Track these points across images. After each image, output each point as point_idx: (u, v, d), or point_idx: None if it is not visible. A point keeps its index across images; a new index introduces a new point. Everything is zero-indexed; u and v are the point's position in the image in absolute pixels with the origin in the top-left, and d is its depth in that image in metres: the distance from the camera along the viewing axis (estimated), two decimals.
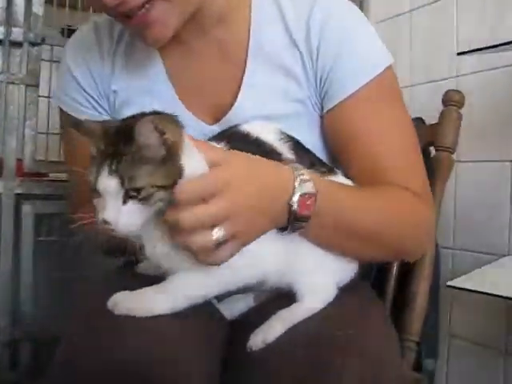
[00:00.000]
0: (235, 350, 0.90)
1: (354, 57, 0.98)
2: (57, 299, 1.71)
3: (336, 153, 1.03)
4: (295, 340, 0.84)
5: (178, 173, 0.75)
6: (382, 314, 0.99)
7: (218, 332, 0.94)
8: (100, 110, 1.11)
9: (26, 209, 1.70)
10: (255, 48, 1.02)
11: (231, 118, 1.02)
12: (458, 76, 1.70)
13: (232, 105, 1.02)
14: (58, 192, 1.70)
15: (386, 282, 1.27)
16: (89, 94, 1.10)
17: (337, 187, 0.90)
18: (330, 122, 1.02)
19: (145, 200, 0.74)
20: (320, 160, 1.00)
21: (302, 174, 0.83)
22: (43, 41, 1.68)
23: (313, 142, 1.01)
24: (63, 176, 1.71)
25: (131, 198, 0.73)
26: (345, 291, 0.95)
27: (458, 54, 1.56)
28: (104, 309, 0.82)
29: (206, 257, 0.77)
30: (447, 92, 1.32)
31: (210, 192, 0.75)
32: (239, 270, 0.84)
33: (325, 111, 1.02)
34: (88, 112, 1.10)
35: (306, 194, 0.82)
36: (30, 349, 1.69)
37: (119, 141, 0.74)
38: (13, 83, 1.65)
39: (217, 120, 1.04)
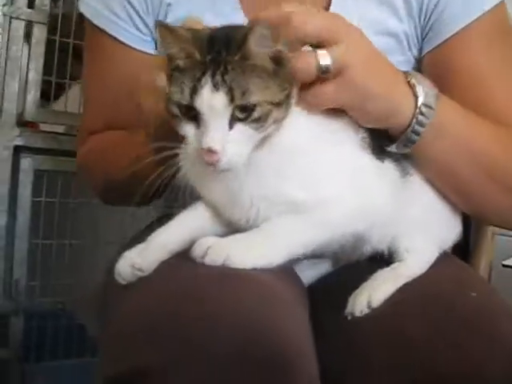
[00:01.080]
0: (325, 319, 0.75)
1: None
2: (56, 269, 1.52)
3: None
4: (416, 300, 0.69)
5: (290, 86, 0.64)
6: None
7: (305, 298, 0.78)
8: (143, 28, 0.93)
9: (25, 163, 1.50)
10: None
11: None
12: None
13: None
14: (62, 147, 1.52)
15: None
16: (133, 7, 0.92)
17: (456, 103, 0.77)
18: (432, 62, 0.89)
19: (258, 122, 0.61)
20: None
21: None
22: None
23: None
24: (70, 129, 1.52)
25: (239, 120, 0.61)
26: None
27: None
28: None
29: (306, 79, 0.65)
30: None
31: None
32: (348, 213, 0.70)
33: (426, 50, 0.90)
34: (126, 30, 0.93)
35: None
36: (24, 324, 1.51)
37: (220, 49, 0.61)
38: (18, 18, 1.44)
39: None
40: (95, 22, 0.94)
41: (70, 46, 1.53)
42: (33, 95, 1.49)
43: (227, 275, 0.61)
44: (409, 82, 0.71)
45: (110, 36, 0.92)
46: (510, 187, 0.79)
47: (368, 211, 0.71)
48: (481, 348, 0.62)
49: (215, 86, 0.59)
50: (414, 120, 0.70)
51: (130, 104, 0.76)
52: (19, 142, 1.49)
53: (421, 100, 0.70)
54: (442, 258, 0.80)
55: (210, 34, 0.63)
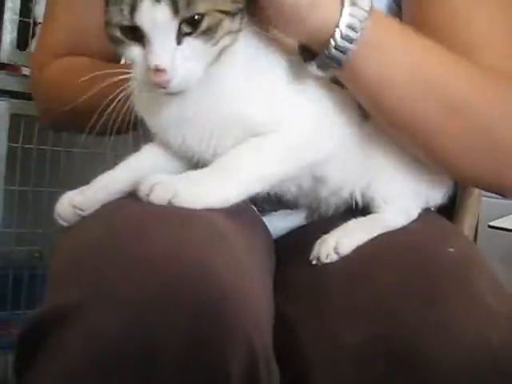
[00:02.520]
0: (286, 271, 0.71)
1: None
2: (32, 217, 1.48)
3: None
4: (389, 250, 0.65)
5: None
6: None
7: (268, 249, 0.74)
8: None
9: (1, 107, 1.44)
10: None
11: None
12: None
13: None
14: None
15: None
16: None
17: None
18: None
19: (208, 33, 0.56)
20: None
21: None
22: None
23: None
24: None
25: (187, 34, 0.56)
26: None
27: None
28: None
29: None
30: None
31: None
32: (305, 136, 0.65)
33: None
34: None
35: None
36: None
37: None
38: None
39: None
40: None
41: None
42: (9, 37, 1.43)
43: (171, 213, 0.56)
44: None
45: None
46: (452, 108, 0.66)
47: (324, 136, 0.66)
48: (456, 306, 0.57)
49: None
50: (338, 32, 0.60)
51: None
52: None
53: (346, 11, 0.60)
54: (425, 214, 0.76)
55: None
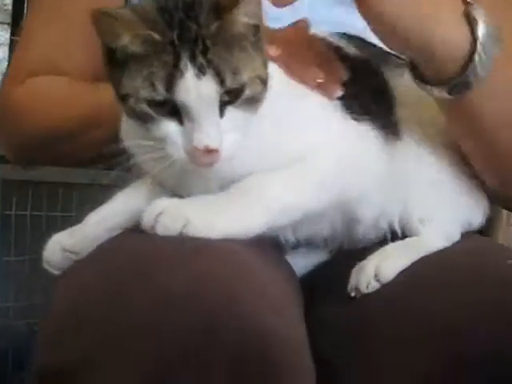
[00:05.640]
0: (316, 312, 0.62)
1: None
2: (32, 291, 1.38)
3: None
4: (435, 271, 0.57)
5: (266, 62, 0.53)
6: None
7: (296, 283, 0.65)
8: None
9: None
10: None
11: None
12: None
13: None
14: None
15: None
16: None
17: None
18: None
19: (251, 102, 0.51)
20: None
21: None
22: None
23: None
24: None
25: (227, 103, 0.50)
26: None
27: None
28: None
29: None
30: None
31: None
32: (340, 173, 0.59)
33: None
34: None
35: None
36: None
37: (182, 20, 0.49)
38: None
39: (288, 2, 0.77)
40: None
41: None
42: None
43: (183, 244, 0.48)
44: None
45: None
46: None
47: (357, 168, 0.60)
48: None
49: (200, 70, 0.48)
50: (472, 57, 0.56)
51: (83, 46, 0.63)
52: None
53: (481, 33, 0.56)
54: (468, 235, 0.68)
55: (158, 3, 0.51)
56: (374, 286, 0.57)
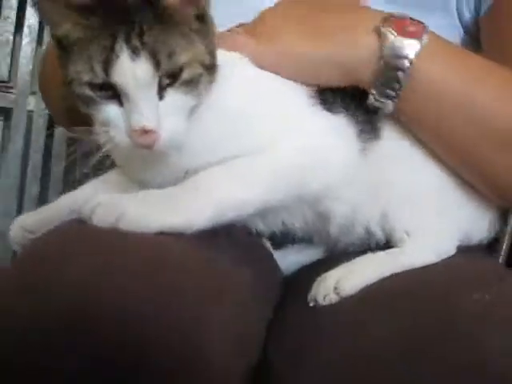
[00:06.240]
0: (284, 313, 0.62)
1: None
2: None
3: None
4: (395, 298, 0.54)
5: (214, 52, 0.55)
6: None
7: (271, 287, 0.65)
8: None
9: None
10: None
11: None
12: None
13: None
14: None
15: None
16: None
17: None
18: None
19: (189, 85, 0.52)
20: None
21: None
22: None
23: None
24: None
25: (167, 86, 0.52)
26: (464, 252, 0.65)
27: None
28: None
29: None
30: None
31: None
32: (290, 171, 0.59)
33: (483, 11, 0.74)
34: None
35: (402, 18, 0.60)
36: None
37: (124, 6, 0.51)
38: None
39: None
40: None
41: None
42: None
43: (102, 237, 0.48)
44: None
45: None
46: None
47: (320, 161, 0.59)
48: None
49: (134, 52, 0.49)
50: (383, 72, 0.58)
51: None
52: None
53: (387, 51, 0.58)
54: (467, 251, 0.64)
55: None
56: (333, 298, 0.56)
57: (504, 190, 0.65)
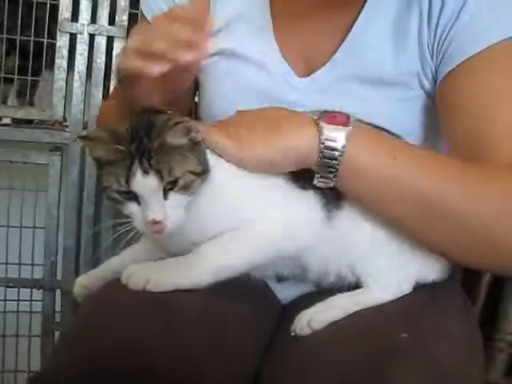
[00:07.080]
0: (278, 337, 0.82)
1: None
2: None
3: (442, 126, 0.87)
4: (347, 333, 0.73)
5: (205, 161, 0.74)
6: (466, 319, 0.82)
7: (267, 316, 0.86)
8: None
9: None
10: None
11: (323, 74, 0.91)
12: None
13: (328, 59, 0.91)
14: None
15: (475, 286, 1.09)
16: None
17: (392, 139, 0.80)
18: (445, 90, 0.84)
19: (185, 189, 0.71)
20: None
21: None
22: None
23: (406, 121, 0.89)
24: None
25: (170, 190, 0.71)
26: (423, 289, 0.82)
27: None
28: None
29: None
30: None
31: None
32: (268, 241, 0.77)
33: (440, 78, 0.84)
34: None
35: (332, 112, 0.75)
36: None
37: (142, 138, 0.70)
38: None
39: (309, 73, 0.92)
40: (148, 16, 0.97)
41: None
42: None
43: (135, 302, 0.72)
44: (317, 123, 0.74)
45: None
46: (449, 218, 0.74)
47: (292, 233, 0.77)
48: None
49: (145, 171, 0.69)
50: (321, 159, 0.73)
51: None
52: None
53: (322, 143, 0.73)
54: (424, 291, 0.81)
55: (131, 126, 0.72)
56: (306, 331, 0.75)
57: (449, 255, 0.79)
